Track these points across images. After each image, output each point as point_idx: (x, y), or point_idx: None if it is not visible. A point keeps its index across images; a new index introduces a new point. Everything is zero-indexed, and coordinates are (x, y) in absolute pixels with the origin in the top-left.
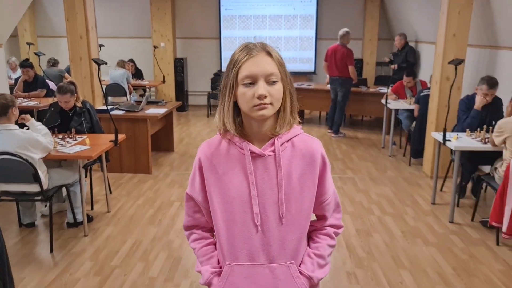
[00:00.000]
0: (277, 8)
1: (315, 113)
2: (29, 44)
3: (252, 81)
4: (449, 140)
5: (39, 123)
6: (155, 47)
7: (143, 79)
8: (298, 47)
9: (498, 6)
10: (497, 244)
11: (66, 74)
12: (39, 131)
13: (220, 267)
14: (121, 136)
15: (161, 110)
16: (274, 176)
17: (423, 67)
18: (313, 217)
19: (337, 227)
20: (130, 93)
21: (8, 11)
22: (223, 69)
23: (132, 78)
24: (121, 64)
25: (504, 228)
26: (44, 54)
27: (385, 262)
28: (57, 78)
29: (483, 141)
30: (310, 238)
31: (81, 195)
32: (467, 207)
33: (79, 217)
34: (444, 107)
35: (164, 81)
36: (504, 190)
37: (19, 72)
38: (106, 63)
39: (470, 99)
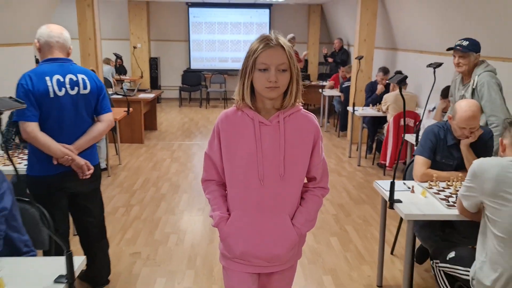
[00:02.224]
0: (237, 17)
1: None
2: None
3: (266, 68)
4: (357, 111)
5: None
6: (134, 47)
7: (125, 74)
8: None
9: (395, 18)
10: (384, 174)
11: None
12: None
13: (229, 214)
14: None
15: (150, 95)
16: (277, 142)
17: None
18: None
19: (324, 189)
20: (115, 86)
21: (40, 12)
22: (192, 67)
23: (116, 73)
24: (107, 61)
25: (387, 163)
26: None
27: None
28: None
29: (379, 111)
30: (301, 198)
31: (106, 148)
32: (371, 158)
33: (103, 165)
34: (360, 91)
35: (142, 77)
36: (386, 139)
37: None
38: (121, 56)
39: (373, 83)
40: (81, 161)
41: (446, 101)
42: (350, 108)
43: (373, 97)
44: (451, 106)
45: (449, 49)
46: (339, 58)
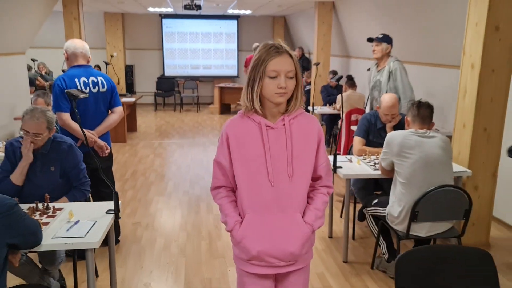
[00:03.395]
0: (207, 27)
1: (239, 106)
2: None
3: (276, 75)
4: (316, 109)
5: None
6: (111, 56)
7: None
8: (224, 57)
9: (347, 29)
10: None
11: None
12: None
13: (242, 218)
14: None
15: (132, 99)
16: (284, 144)
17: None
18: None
19: (329, 187)
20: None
21: (30, 24)
22: (166, 74)
23: None
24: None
25: (341, 153)
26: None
27: None
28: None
29: (334, 109)
30: (309, 197)
31: None
32: (328, 151)
33: None
34: (319, 93)
35: (118, 83)
36: (340, 132)
37: None
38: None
39: (326, 86)
40: (101, 142)
41: None
42: (310, 108)
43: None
44: (373, 98)
45: (368, 39)
46: (300, 65)
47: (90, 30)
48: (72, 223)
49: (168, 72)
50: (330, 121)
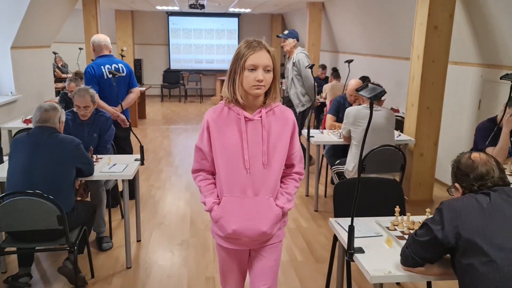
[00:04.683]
0: (210, 24)
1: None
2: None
3: (254, 68)
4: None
5: None
6: (122, 50)
7: None
8: (226, 52)
9: (335, 26)
10: None
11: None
12: None
13: (219, 199)
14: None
15: (143, 88)
16: (260, 134)
17: None
18: None
19: (300, 174)
20: None
21: (55, 20)
22: (172, 67)
23: None
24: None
25: None
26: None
27: None
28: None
29: (321, 98)
30: (281, 182)
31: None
32: None
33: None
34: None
35: None
36: (325, 117)
37: None
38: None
39: (316, 79)
40: (123, 116)
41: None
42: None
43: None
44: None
45: (277, 36)
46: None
47: (102, 26)
48: (111, 165)
49: (174, 66)
50: (318, 108)
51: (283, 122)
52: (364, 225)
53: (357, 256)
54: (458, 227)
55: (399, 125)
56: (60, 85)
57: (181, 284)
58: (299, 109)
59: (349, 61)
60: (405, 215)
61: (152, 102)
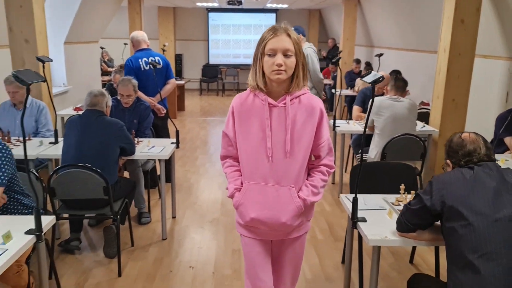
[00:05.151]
0: (248, 20)
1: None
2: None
3: (273, 53)
4: (338, 91)
5: None
6: (164, 45)
7: None
8: None
9: (370, 21)
10: None
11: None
12: None
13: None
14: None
15: (182, 82)
16: (284, 122)
17: None
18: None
19: (329, 166)
20: None
21: (103, 17)
22: (210, 62)
23: None
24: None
25: None
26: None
27: None
28: None
29: (354, 92)
30: (308, 174)
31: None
32: None
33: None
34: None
35: None
36: None
37: None
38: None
39: (350, 72)
40: (159, 105)
41: None
42: (337, 91)
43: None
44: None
45: None
46: (331, 54)
47: (146, 23)
48: (150, 147)
49: (212, 61)
50: (351, 101)
51: (309, 110)
52: (372, 201)
53: (360, 224)
54: (444, 196)
55: (427, 118)
56: (106, 78)
57: (210, 254)
58: None
59: (379, 55)
60: (410, 193)
61: (191, 95)
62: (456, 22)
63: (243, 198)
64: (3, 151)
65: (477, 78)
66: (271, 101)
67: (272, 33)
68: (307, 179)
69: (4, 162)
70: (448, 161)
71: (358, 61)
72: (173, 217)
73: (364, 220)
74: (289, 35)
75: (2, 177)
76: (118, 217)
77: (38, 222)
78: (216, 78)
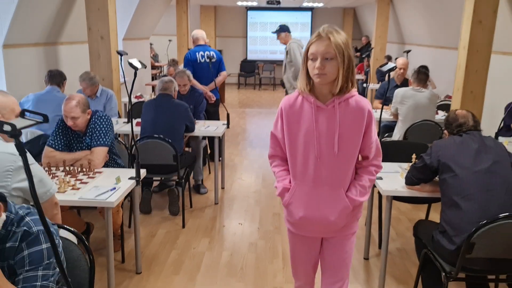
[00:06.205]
0: (285, 18)
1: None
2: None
3: (314, 57)
4: (371, 85)
5: None
6: (205, 41)
7: None
8: None
9: (402, 20)
10: None
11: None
12: None
13: (291, 185)
14: None
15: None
16: (332, 124)
17: None
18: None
19: (377, 167)
20: None
21: (154, 15)
22: (248, 58)
23: None
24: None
25: None
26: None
27: None
28: None
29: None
30: (356, 174)
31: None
32: None
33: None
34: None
35: None
36: None
37: None
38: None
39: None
40: (210, 93)
41: None
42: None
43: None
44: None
45: (272, 32)
46: (365, 51)
47: (189, 20)
48: (206, 126)
49: (250, 57)
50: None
51: (357, 112)
52: (389, 167)
53: (377, 181)
54: (439, 156)
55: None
56: (153, 71)
57: (255, 215)
58: (290, 91)
59: (407, 51)
60: None
61: (230, 89)
62: (474, 22)
63: (292, 198)
64: (108, 121)
65: (495, 72)
66: (319, 103)
67: (315, 37)
68: (355, 179)
69: (108, 129)
70: (445, 131)
71: (389, 58)
72: (222, 188)
73: (380, 178)
74: (329, 38)
75: (108, 140)
76: (183, 180)
77: (138, 171)
78: (253, 73)
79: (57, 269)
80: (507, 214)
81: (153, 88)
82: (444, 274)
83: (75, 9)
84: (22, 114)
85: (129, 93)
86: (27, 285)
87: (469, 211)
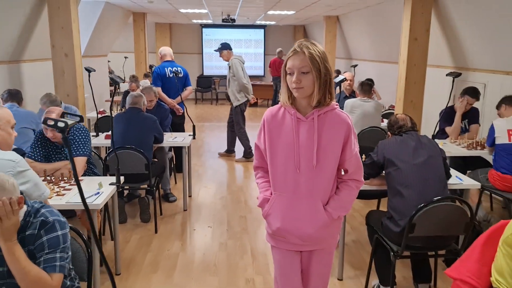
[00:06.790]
0: (239, 35)
1: (264, 101)
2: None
3: (291, 72)
4: None
5: None
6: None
7: None
8: (253, 59)
9: (348, 37)
10: None
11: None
12: None
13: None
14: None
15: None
16: (311, 136)
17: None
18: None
19: (358, 181)
20: None
21: (112, 33)
22: (204, 73)
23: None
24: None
25: None
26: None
27: None
28: None
29: None
30: (337, 187)
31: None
32: None
33: None
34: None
35: None
36: None
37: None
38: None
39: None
40: (178, 106)
41: None
42: None
43: None
44: None
45: (215, 50)
46: None
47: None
48: (173, 138)
49: (207, 72)
50: None
51: (336, 125)
52: None
53: None
54: (384, 153)
55: None
56: (111, 88)
57: (223, 219)
58: (235, 103)
59: (354, 66)
60: None
61: (187, 104)
62: (411, 40)
63: (271, 209)
64: (86, 132)
65: (430, 83)
66: (299, 116)
67: (291, 52)
68: (335, 193)
69: (86, 140)
70: (389, 133)
71: (338, 72)
72: (190, 196)
73: None
74: (304, 52)
75: (87, 150)
76: (154, 188)
77: (118, 177)
78: (210, 88)
79: (70, 253)
80: (439, 197)
81: (111, 104)
82: (392, 254)
83: (38, 27)
84: (62, 115)
85: (110, 107)
86: (48, 265)
87: (410, 198)
